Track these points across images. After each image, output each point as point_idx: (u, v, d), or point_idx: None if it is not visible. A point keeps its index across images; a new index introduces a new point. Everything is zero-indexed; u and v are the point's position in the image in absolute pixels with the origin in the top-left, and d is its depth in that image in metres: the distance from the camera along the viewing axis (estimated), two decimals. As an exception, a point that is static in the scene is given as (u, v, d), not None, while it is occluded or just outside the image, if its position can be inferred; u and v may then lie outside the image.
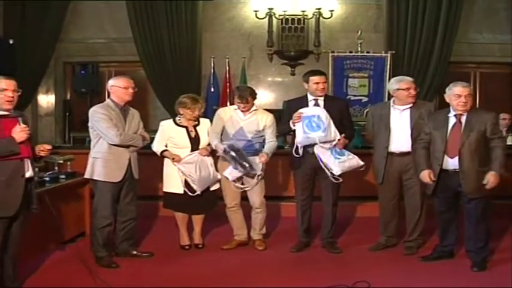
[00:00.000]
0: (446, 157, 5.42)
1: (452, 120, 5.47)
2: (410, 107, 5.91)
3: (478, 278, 5.27)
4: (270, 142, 6.08)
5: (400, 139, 5.89)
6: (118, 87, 5.61)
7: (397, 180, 5.99)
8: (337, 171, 5.83)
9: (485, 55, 10.37)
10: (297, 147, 5.92)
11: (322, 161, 5.86)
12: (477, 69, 10.67)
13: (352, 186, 6.95)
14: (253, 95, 6.07)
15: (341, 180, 5.92)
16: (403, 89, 5.89)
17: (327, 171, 5.86)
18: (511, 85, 10.61)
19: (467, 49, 10.29)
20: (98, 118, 5.49)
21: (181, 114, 6.07)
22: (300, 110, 5.90)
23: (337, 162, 5.82)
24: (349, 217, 7.64)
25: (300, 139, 5.88)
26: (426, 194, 5.80)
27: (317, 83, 6.00)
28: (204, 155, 6.00)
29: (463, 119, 5.41)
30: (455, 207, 5.65)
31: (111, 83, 5.67)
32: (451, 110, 5.50)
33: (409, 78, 6.04)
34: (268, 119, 6.10)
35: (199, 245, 6.25)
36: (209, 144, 6.07)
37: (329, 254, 6.06)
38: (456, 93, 5.40)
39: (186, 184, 5.98)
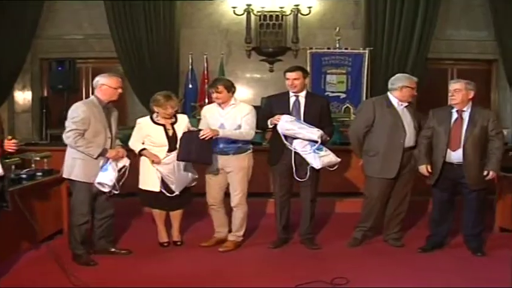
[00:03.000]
0: (448, 150, 5.70)
1: (454, 116, 5.77)
2: (407, 105, 6.04)
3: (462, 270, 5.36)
4: (244, 128, 5.93)
5: (410, 134, 5.99)
6: (108, 87, 5.58)
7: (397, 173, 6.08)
8: (317, 165, 5.84)
9: (463, 52, 10.46)
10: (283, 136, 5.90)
11: (301, 156, 5.88)
12: (454, 65, 10.75)
13: (331, 182, 6.99)
14: (228, 86, 5.97)
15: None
16: (411, 87, 6.00)
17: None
18: (489, 82, 10.76)
19: (445, 46, 10.37)
20: (76, 115, 5.44)
21: (157, 112, 6.05)
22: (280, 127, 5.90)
23: (318, 157, 5.84)
24: (328, 213, 7.68)
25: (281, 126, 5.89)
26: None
27: (288, 78, 6.04)
28: None
29: (465, 114, 5.73)
30: (454, 198, 5.94)
31: (102, 81, 5.61)
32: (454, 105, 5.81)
33: (415, 78, 6.17)
34: (247, 109, 6.00)
35: (177, 242, 6.24)
36: None
37: (308, 250, 6.08)
38: (449, 89, 5.81)
39: (164, 184, 5.95)
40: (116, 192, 5.67)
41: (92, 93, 5.79)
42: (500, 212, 6.75)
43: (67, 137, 5.43)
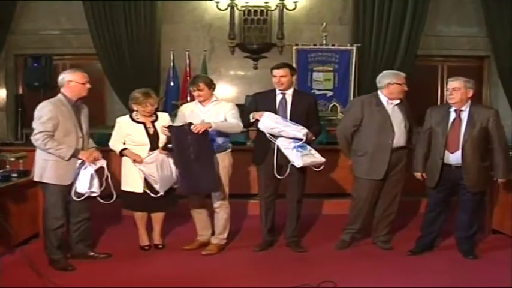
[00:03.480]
0: (446, 152, 5.68)
1: (452, 115, 5.73)
2: (398, 103, 6.01)
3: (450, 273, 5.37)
4: (231, 121, 5.93)
5: (399, 134, 5.96)
6: (76, 83, 5.51)
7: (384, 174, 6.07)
8: (298, 163, 5.81)
9: (453, 48, 10.57)
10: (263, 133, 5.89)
11: (284, 153, 5.86)
12: (445, 62, 10.85)
13: (318, 183, 6.99)
14: (208, 83, 5.98)
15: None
16: (399, 84, 5.97)
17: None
18: (480, 79, 10.82)
19: (435, 42, 10.47)
20: (42, 115, 5.35)
21: (136, 110, 6.02)
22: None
23: (300, 155, 5.82)
24: (315, 215, 7.68)
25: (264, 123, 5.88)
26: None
27: (274, 76, 6.03)
28: (165, 154, 5.91)
29: (463, 114, 5.68)
30: (450, 199, 5.94)
31: (68, 77, 5.52)
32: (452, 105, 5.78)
33: (403, 74, 6.13)
34: (230, 105, 6.03)
35: (159, 245, 6.21)
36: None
37: (294, 253, 6.07)
38: (447, 87, 5.80)
39: (148, 185, 5.92)
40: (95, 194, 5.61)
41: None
42: (493, 214, 6.77)
43: (35, 139, 5.34)
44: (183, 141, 5.69)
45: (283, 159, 5.89)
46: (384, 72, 6.23)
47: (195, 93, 5.98)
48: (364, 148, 6.01)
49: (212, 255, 5.96)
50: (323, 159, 5.97)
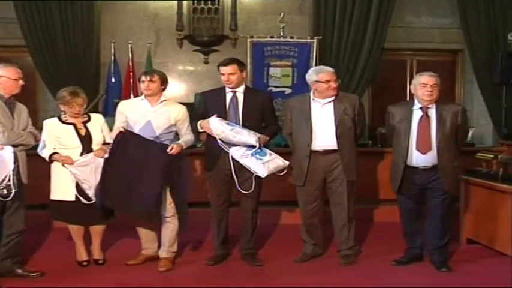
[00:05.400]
0: (416, 153, 5.78)
1: (417, 114, 5.82)
2: (332, 100, 6.06)
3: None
4: (187, 135, 6.04)
5: (324, 136, 6.02)
6: (8, 78, 5.52)
7: (321, 182, 6.13)
8: (262, 173, 5.88)
9: (424, 41, 10.65)
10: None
11: (242, 164, 5.92)
12: (414, 56, 10.96)
13: (274, 189, 7.04)
14: (164, 79, 6.03)
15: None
16: (322, 82, 6.02)
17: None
18: (453, 75, 10.99)
19: (404, 34, 10.54)
20: None
21: (63, 111, 6.00)
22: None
23: (261, 164, 5.88)
24: (273, 224, 7.75)
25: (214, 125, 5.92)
26: (353, 195, 6.14)
27: (222, 73, 6.08)
28: (101, 157, 5.88)
29: (431, 112, 5.79)
30: (421, 207, 6.04)
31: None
32: (416, 102, 5.86)
33: (329, 69, 6.16)
34: (182, 111, 6.06)
35: (99, 261, 6.19)
36: (105, 144, 5.99)
37: (249, 266, 6.13)
38: (422, 82, 5.78)
39: (80, 191, 5.89)
40: None
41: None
42: (467, 222, 6.93)
43: None
44: (131, 150, 5.74)
45: (242, 170, 5.96)
46: (311, 68, 6.37)
47: (144, 84, 5.97)
48: (293, 152, 6.20)
49: (169, 271, 5.97)
50: (286, 163, 6.05)
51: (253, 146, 5.87)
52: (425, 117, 5.78)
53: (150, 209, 5.86)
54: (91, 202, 5.87)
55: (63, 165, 5.85)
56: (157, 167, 5.75)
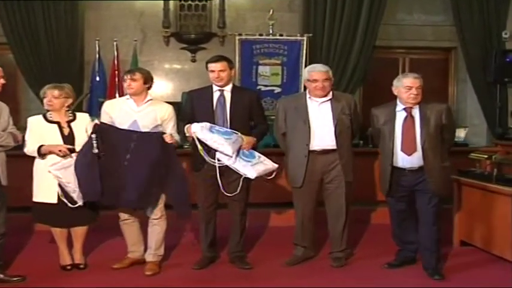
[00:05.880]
0: (401, 155, 5.78)
1: (401, 115, 5.81)
2: (330, 99, 6.09)
3: None
4: (176, 138, 6.05)
5: (322, 135, 6.05)
6: None
7: (318, 183, 6.16)
8: (252, 175, 5.91)
9: (416, 39, 10.68)
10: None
11: (229, 166, 5.93)
12: (407, 54, 11.00)
13: (263, 191, 7.06)
14: (146, 77, 6.01)
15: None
16: (310, 81, 6.07)
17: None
18: (446, 73, 11.03)
19: (396, 32, 10.57)
20: None
21: (48, 109, 5.99)
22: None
23: (249, 165, 5.90)
24: (262, 227, 7.76)
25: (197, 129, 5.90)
26: (351, 196, 6.15)
27: (212, 71, 6.08)
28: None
29: (415, 112, 5.78)
30: (412, 208, 6.01)
31: None
32: (399, 103, 5.85)
33: (321, 68, 6.18)
34: (168, 111, 6.06)
35: (80, 265, 6.15)
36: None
37: (238, 270, 6.13)
38: (407, 85, 5.74)
39: (64, 193, 5.86)
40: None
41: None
42: (460, 224, 6.96)
43: None
44: (121, 146, 5.76)
45: (229, 172, 5.98)
46: (308, 67, 6.38)
47: (126, 83, 5.97)
48: (288, 153, 6.20)
49: (155, 275, 5.97)
50: (275, 166, 6.07)
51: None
52: (409, 117, 5.77)
53: (142, 202, 5.88)
54: (76, 206, 5.84)
55: (58, 155, 5.81)
56: (148, 157, 5.78)
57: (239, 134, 5.93)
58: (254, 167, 5.91)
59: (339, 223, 6.23)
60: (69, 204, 5.84)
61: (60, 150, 5.79)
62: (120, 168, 5.78)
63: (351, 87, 9.87)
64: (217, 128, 5.90)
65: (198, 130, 5.85)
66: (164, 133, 5.87)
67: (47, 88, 5.95)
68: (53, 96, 5.92)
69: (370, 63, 10.03)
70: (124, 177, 5.77)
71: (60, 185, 5.83)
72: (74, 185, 5.80)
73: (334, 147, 6.04)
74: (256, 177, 5.96)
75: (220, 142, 5.80)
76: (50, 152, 5.83)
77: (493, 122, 10.30)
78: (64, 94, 6.00)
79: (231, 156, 5.85)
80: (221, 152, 5.85)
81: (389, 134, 5.82)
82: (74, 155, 5.84)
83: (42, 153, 5.84)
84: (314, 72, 6.07)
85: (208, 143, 5.83)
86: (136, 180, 5.77)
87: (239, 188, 5.96)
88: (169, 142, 5.83)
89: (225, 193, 5.99)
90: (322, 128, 6.05)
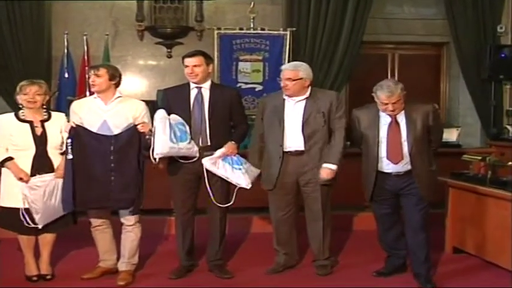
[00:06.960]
0: (387, 162, 5.81)
1: (385, 119, 5.83)
2: (306, 98, 6.11)
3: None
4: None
5: (295, 136, 6.07)
6: None
7: (293, 185, 6.19)
8: (247, 183, 5.96)
9: (406, 33, 10.68)
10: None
11: (220, 175, 5.96)
12: (396, 50, 11.01)
13: (244, 195, 7.05)
14: (112, 73, 5.97)
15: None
16: (291, 79, 6.06)
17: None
18: (438, 70, 11.07)
19: (384, 26, 10.58)
20: None
21: (23, 107, 5.94)
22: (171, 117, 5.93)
23: (241, 174, 5.93)
24: (243, 233, 7.76)
25: (159, 147, 5.78)
26: (328, 201, 6.19)
27: (187, 65, 6.08)
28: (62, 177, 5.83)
29: (400, 118, 5.78)
30: (397, 212, 6.09)
31: None
32: None
33: (286, 67, 6.25)
34: (140, 108, 6.02)
35: (46, 276, 6.10)
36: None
37: (217, 279, 6.15)
38: (382, 102, 5.72)
39: (27, 211, 5.81)
40: None
41: None
42: (452, 229, 7.00)
43: None
44: (101, 149, 5.76)
45: (219, 182, 6.01)
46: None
47: (90, 80, 5.96)
48: (264, 154, 6.25)
49: (129, 285, 5.96)
50: (258, 170, 6.10)
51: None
52: (394, 123, 5.77)
53: (128, 203, 5.86)
54: (33, 226, 5.83)
55: (19, 180, 5.79)
56: (131, 154, 5.79)
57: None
58: (245, 175, 5.97)
59: (317, 229, 6.24)
60: (28, 222, 5.82)
61: (21, 179, 5.77)
62: (107, 172, 5.77)
63: (337, 84, 9.87)
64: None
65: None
66: (136, 125, 5.83)
67: (26, 84, 5.89)
68: (36, 93, 5.88)
69: (357, 59, 10.03)
70: (114, 180, 5.76)
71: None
72: (38, 207, 5.77)
73: (303, 148, 6.07)
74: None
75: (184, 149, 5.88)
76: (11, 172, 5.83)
77: (487, 121, 10.34)
78: (44, 90, 5.99)
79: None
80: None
81: (373, 139, 5.84)
82: (51, 175, 5.82)
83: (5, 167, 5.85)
84: (282, 71, 6.13)
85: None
86: (125, 179, 5.78)
87: (233, 199, 6.08)
88: (142, 131, 5.79)
89: (216, 203, 6.02)
90: (293, 128, 6.07)
